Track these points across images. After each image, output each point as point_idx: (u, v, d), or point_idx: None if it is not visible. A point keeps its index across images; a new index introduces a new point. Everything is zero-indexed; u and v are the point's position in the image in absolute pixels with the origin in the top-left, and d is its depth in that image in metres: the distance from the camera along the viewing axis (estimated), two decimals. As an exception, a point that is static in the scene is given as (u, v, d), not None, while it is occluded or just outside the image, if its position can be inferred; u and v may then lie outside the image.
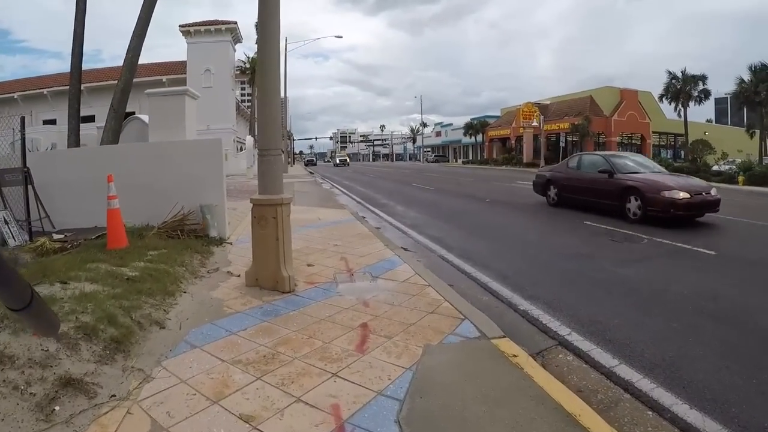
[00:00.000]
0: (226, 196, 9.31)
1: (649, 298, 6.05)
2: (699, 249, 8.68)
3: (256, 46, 47.90)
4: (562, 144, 49.23)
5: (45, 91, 46.87)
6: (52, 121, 45.74)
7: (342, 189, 24.71)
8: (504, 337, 4.43)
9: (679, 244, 9.07)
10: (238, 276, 6.32)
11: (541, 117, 52.08)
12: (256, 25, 5.84)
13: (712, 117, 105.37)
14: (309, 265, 6.95)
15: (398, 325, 4.61)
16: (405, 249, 8.73)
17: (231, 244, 8.77)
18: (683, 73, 44.74)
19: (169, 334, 4.48)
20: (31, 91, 47.84)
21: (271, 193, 5.55)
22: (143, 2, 12.69)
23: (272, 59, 5.58)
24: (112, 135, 12.22)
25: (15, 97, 47.11)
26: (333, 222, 11.41)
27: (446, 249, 8.85)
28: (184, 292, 5.65)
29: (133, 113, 16.50)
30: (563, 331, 4.92)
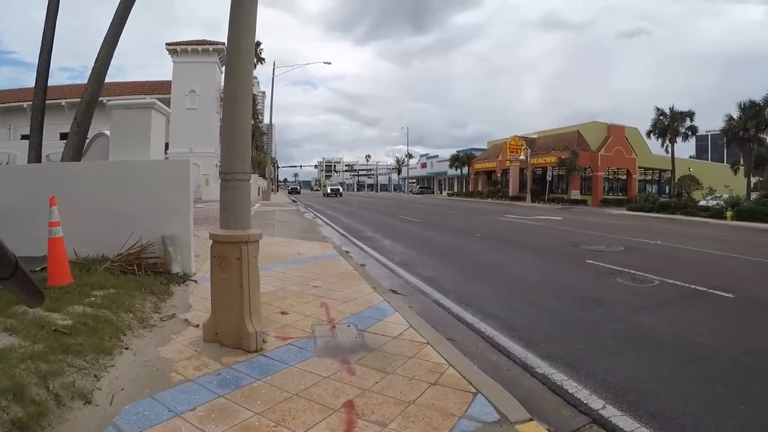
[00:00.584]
0: (192, 226, 8.27)
1: (680, 352, 5.24)
2: (715, 291, 8.03)
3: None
4: (549, 178, 48.95)
5: (24, 104, 45.41)
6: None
7: (325, 219, 23.65)
8: (530, 420, 3.41)
9: (693, 286, 8.37)
10: (197, 326, 5.20)
11: (528, 151, 51.97)
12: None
13: (693, 153, 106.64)
14: (283, 313, 5.85)
15: (394, 405, 3.54)
16: (394, 292, 7.70)
17: (196, 282, 7.64)
18: (671, 109, 44.68)
19: (94, 413, 3.37)
20: (10, 104, 46.37)
21: (236, 227, 4.48)
22: (117, 7, 11.68)
23: (242, 54, 4.55)
24: (73, 152, 11.09)
25: (-8, 109, 45.68)
26: (314, 257, 10.33)
27: (441, 292, 7.82)
28: (126, 349, 4.54)
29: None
30: (595, 403, 3.93)
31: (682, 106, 44.54)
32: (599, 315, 6.66)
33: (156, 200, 7.76)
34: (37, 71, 12.19)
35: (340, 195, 68.43)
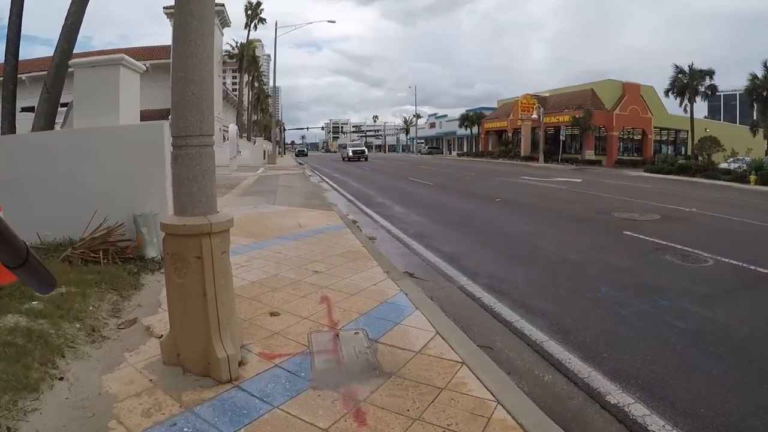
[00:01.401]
0: (171, 200, 7.01)
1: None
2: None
3: (246, 32, 45.01)
4: (562, 137, 47.14)
5: (23, 76, 44.01)
6: (31, 109, 43.16)
7: (332, 183, 22.32)
8: None
9: (754, 267, 7.10)
10: (160, 337, 3.99)
11: (541, 109, 49.94)
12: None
13: (706, 113, 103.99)
14: (273, 314, 4.61)
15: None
16: (411, 275, 6.46)
17: None
18: (690, 67, 42.23)
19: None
20: (43, 72, 44.91)
21: (194, 212, 3.23)
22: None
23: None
24: (44, 120, 9.77)
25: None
26: (317, 230, 9.07)
27: (467, 275, 6.57)
28: (60, 379, 3.34)
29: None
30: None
31: (694, 65, 42.15)
32: (661, 309, 5.39)
33: (125, 172, 6.49)
34: (7, 35, 10.80)
35: (365, 158, 51.71)
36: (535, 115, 50.61)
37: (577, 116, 46.85)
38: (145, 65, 33.84)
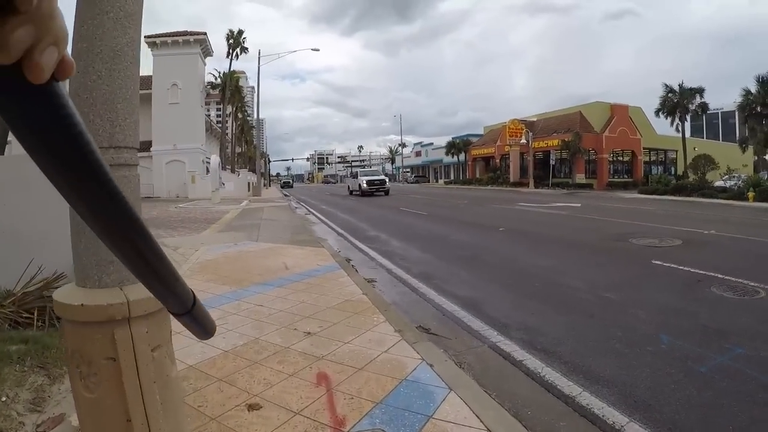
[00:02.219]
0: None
1: None
2: None
3: (228, 60, 43.93)
4: (552, 162, 46.41)
5: None
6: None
7: (319, 216, 20.98)
8: None
9: None
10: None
11: (530, 134, 49.32)
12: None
13: (688, 133, 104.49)
14: (251, 408, 3.24)
15: None
16: (428, 331, 5.18)
17: None
18: (680, 86, 41.86)
19: None
20: None
21: (101, 281, 1.87)
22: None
23: None
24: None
25: None
26: (307, 273, 7.74)
27: (496, 328, 5.30)
28: None
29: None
30: None
31: (684, 84, 41.79)
32: (742, 360, 4.27)
33: (67, 207, 5.20)
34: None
35: (386, 192, 37.53)
36: (523, 140, 49.99)
37: (566, 140, 46.35)
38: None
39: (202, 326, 1.02)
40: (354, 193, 38.72)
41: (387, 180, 39.29)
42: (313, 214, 22.29)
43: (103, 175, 0.52)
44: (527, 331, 5.21)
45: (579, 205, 23.46)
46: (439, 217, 18.33)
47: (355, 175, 43.50)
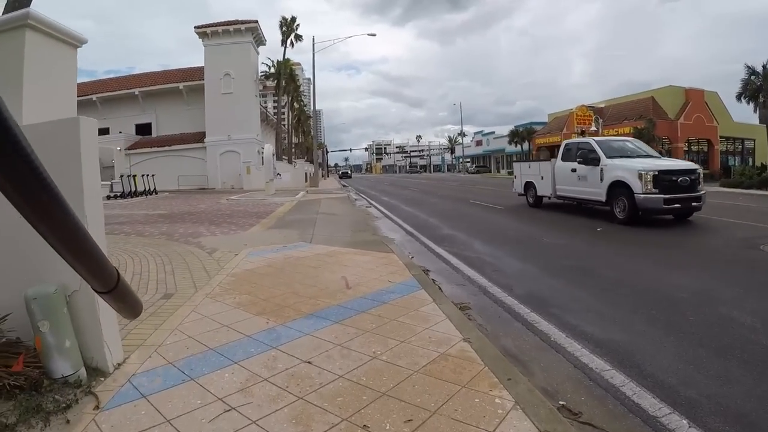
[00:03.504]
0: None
1: None
2: None
3: (282, 49, 42.34)
4: (624, 151, 42.58)
5: (94, 97, 42.54)
6: (105, 131, 41.80)
7: (381, 209, 18.88)
8: None
9: None
10: None
11: (600, 121, 45.69)
12: None
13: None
14: None
15: None
16: (595, 427, 3.00)
17: (115, 390, 3.24)
18: (765, 67, 37.23)
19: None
20: (79, 98, 43.74)
21: None
22: None
23: None
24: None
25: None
26: (374, 297, 5.58)
27: (684, 412, 3.09)
28: None
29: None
30: None
31: (736, 70, 37.24)
32: None
33: (13, 216, 3.27)
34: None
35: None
36: (594, 128, 46.37)
37: (639, 127, 42.63)
38: (179, 87, 31.32)
39: (128, 305, 1.05)
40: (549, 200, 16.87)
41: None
42: (375, 206, 20.23)
43: (22, 149, 0.57)
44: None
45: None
46: (518, 213, 15.85)
47: (569, 155, 15.29)
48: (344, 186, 44.92)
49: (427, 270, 7.40)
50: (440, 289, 6.19)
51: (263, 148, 32.53)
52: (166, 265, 7.53)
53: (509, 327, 4.97)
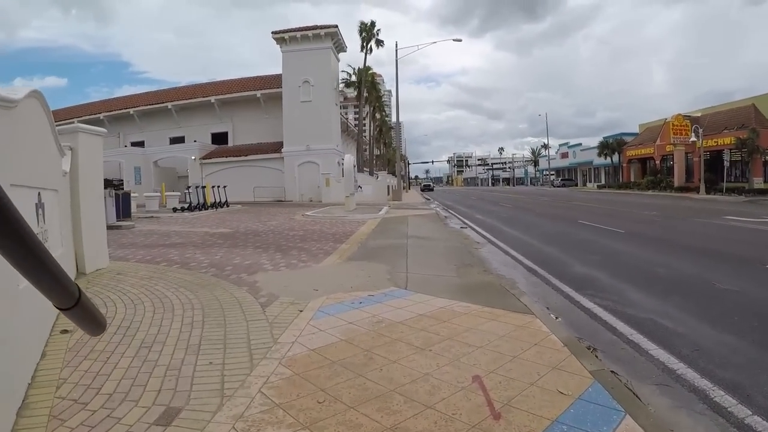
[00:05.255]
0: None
1: None
2: None
3: (362, 56, 40.17)
4: (726, 163, 38.29)
5: (132, 111, 42.68)
6: (180, 139, 41.82)
7: (481, 231, 16.05)
8: None
9: None
10: None
11: (700, 131, 41.09)
12: None
13: None
14: None
15: None
16: None
17: None
18: None
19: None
20: (119, 111, 44.18)
21: None
22: None
23: None
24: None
25: (101, 117, 43.29)
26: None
27: None
28: None
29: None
30: None
31: None
32: None
33: None
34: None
35: None
36: (693, 138, 41.90)
37: (741, 137, 38.51)
38: (257, 95, 29.85)
39: (90, 323, 0.98)
40: None
41: None
42: (471, 227, 17.54)
43: None
44: None
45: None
46: (648, 239, 12.78)
47: None
48: (427, 199, 42.42)
49: (595, 348, 4.77)
50: (650, 410, 3.53)
51: (343, 159, 30.45)
52: (194, 329, 5.13)
53: None
